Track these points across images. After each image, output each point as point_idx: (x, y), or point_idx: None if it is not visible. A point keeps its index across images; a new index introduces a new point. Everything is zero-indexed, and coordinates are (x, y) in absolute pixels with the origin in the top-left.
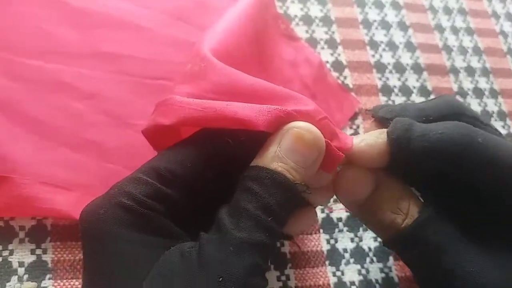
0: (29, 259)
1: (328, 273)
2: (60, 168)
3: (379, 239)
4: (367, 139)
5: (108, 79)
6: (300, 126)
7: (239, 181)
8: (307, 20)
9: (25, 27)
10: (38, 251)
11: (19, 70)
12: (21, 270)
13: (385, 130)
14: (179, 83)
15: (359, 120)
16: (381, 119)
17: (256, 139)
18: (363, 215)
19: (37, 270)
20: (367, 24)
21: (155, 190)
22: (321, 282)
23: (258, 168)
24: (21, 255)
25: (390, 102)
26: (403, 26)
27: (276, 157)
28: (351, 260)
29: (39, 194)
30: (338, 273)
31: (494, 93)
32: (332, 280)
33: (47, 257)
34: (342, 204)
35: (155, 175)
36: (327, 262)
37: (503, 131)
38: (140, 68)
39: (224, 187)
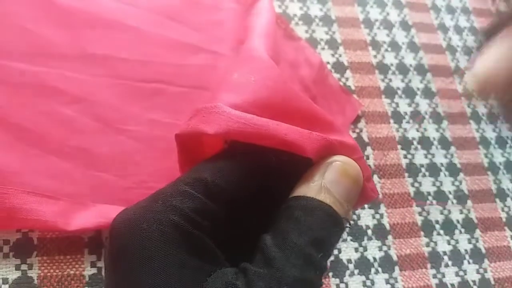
0: (13, 275)
1: (332, 286)
2: (47, 177)
3: (384, 249)
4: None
5: (97, 83)
6: (344, 160)
7: (283, 209)
8: (307, 19)
9: (8, 27)
10: (24, 267)
11: (1, 73)
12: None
13: None
14: (224, 91)
15: (362, 123)
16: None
17: (296, 162)
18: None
19: (22, 287)
20: (368, 23)
21: (203, 205)
22: None
23: (307, 199)
24: (5, 271)
25: (393, 105)
26: (405, 26)
27: (323, 189)
28: (356, 271)
29: (24, 205)
30: (342, 285)
31: None
32: None
33: (33, 273)
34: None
35: (201, 188)
36: (330, 274)
37: (509, 134)
38: (131, 70)
39: (259, 207)
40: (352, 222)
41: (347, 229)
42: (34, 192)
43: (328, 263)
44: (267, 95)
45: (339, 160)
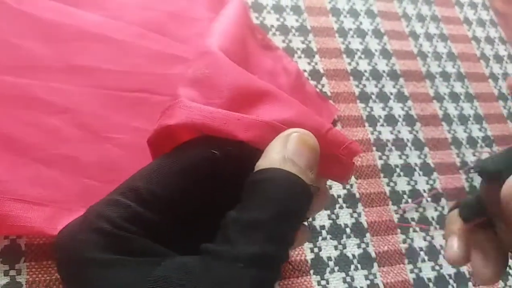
0: (2, 281)
1: (313, 283)
2: (34, 185)
3: (362, 246)
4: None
5: (83, 93)
6: (300, 130)
7: (247, 184)
8: (284, 30)
9: None
10: (12, 272)
11: None
12: None
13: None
14: (182, 86)
15: (338, 127)
16: (491, 175)
17: (246, 155)
18: None
19: None
20: (342, 32)
21: (133, 213)
22: None
23: (273, 170)
24: None
25: (368, 109)
26: (378, 34)
27: (288, 160)
28: (336, 268)
29: (11, 212)
30: (323, 282)
31: (470, 97)
32: None
33: (22, 279)
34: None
35: (133, 197)
36: (311, 271)
37: (480, 134)
38: (115, 81)
39: (212, 201)
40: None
41: (326, 220)
42: (21, 199)
43: (310, 261)
44: (224, 83)
45: (296, 131)
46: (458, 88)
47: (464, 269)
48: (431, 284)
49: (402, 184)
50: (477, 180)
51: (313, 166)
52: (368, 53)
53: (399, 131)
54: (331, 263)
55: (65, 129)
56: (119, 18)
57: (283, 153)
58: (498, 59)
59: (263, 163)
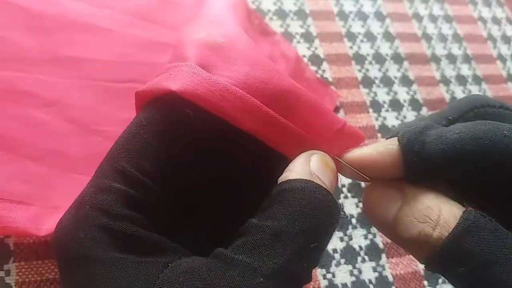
0: None
1: (318, 276)
2: (20, 182)
3: (369, 237)
4: (378, 147)
5: (71, 85)
6: (321, 153)
7: (274, 192)
8: (281, 14)
9: None
10: (1, 273)
11: None
12: None
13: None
14: (191, 49)
15: (340, 114)
16: (395, 135)
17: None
18: (394, 236)
19: None
20: (343, 16)
21: (130, 199)
22: (311, 287)
23: (303, 181)
24: None
25: (371, 94)
26: (380, 16)
27: (315, 176)
28: (342, 261)
29: None
30: (329, 276)
31: (477, 79)
32: (323, 283)
33: (11, 279)
34: (376, 228)
35: (122, 179)
36: None
37: None
38: (104, 71)
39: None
40: (345, 211)
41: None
42: (3, 199)
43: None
44: (242, 60)
45: (317, 153)
46: (465, 70)
47: None
48: None
49: None
50: None
51: (333, 189)
52: (370, 36)
53: (404, 117)
54: (337, 256)
55: (52, 123)
56: (106, 6)
57: (309, 169)
58: (506, 39)
59: (289, 175)
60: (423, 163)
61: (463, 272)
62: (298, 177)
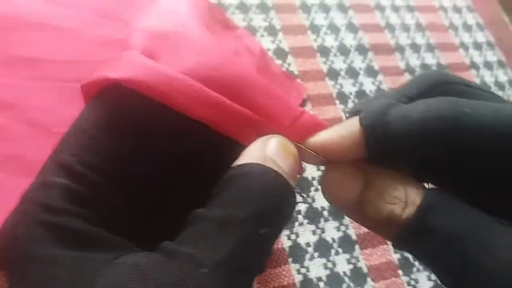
0: None
1: (293, 271)
2: None
3: (342, 229)
4: (340, 130)
5: (28, 86)
6: (281, 137)
7: (223, 179)
8: (243, 8)
9: None
10: None
11: None
12: None
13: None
14: (138, 37)
15: (308, 107)
16: (355, 113)
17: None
18: (359, 217)
19: None
20: (306, 8)
21: (70, 192)
22: (285, 283)
23: (253, 165)
24: None
25: (337, 86)
26: (342, 8)
27: (269, 159)
28: (316, 254)
29: None
30: (303, 270)
31: (441, 68)
32: (298, 278)
33: None
34: (336, 209)
35: (64, 173)
36: (290, 260)
37: None
38: (64, 71)
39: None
40: (305, 195)
41: (302, 205)
42: None
43: (287, 249)
44: (193, 49)
45: (275, 137)
46: (429, 59)
47: None
48: (417, 263)
49: None
50: None
51: (294, 175)
52: (333, 28)
53: None
54: (310, 249)
55: (10, 127)
56: (66, 5)
57: (263, 153)
58: (467, 28)
59: (240, 160)
60: (387, 145)
61: (428, 247)
62: (248, 161)
